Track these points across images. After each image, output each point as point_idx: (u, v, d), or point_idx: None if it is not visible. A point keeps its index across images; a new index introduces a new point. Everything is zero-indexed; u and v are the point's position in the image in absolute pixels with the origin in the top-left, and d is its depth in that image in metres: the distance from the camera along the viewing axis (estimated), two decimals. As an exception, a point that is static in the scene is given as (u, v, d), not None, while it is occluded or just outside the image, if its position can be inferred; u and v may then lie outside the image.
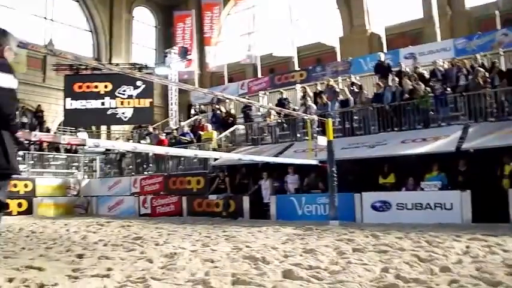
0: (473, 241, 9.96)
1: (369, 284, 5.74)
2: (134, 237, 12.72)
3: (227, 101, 30.46)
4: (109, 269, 7.13)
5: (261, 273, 6.57)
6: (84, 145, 14.10)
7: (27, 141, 26.28)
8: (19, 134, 5.52)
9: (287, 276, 6.42)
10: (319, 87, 24.97)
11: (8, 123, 4.48)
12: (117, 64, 30.95)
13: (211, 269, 7.07)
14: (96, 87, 31.64)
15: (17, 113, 4.82)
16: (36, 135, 7.79)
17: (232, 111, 27.53)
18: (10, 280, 6.13)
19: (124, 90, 31.61)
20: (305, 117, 18.29)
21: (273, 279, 6.18)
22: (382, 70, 23.61)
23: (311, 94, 24.59)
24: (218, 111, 28.07)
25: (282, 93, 26.33)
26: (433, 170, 16.85)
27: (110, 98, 31.70)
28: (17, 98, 4.64)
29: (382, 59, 24.28)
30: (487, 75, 19.02)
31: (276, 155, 19.84)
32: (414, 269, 6.81)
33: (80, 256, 8.76)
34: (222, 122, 26.81)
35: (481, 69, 19.43)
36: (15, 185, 23.75)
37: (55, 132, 32.81)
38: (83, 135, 28.72)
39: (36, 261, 7.91)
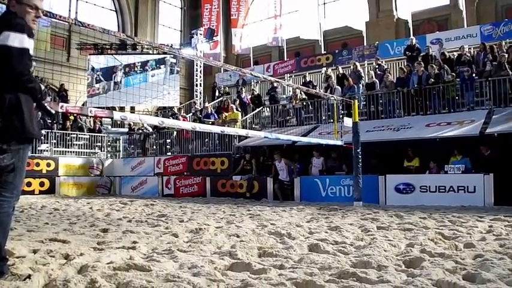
0: (496, 221, 10.13)
1: (395, 258, 5.80)
2: (158, 214, 12.86)
3: (252, 84, 30.51)
4: (134, 242, 7.20)
5: (287, 247, 6.64)
6: (111, 117, 14.13)
7: (50, 121, 26.36)
8: (47, 103, 5.36)
9: (313, 250, 6.54)
10: (344, 70, 24.90)
11: (23, 84, 4.33)
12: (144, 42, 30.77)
13: (237, 242, 7.15)
14: (120, 67, 31.61)
15: (32, 73, 4.62)
16: (63, 106, 7.77)
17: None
18: (34, 251, 6.11)
19: (149, 71, 31.57)
20: (331, 97, 18.28)
21: (299, 253, 6.28)
22: (411, 53, 23.53)
23: (334, 77, 24.51)
24: (245, 93, 28.11)
25: (305, 77, 26.47)
26: (457, 154, 16.89)
27: (135, 79, 31.67)
28: (30, 58, 4.42)
29: (414, 42, 24.17)
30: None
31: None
32: (439, 245, 6.90)
33: (105, 230, 8.85)
34: (247, 104, 26.86)
35: (505, 54, 19.35)
36: (37, 164, 23.92)
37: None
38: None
39: (61, 235, 7.92)
